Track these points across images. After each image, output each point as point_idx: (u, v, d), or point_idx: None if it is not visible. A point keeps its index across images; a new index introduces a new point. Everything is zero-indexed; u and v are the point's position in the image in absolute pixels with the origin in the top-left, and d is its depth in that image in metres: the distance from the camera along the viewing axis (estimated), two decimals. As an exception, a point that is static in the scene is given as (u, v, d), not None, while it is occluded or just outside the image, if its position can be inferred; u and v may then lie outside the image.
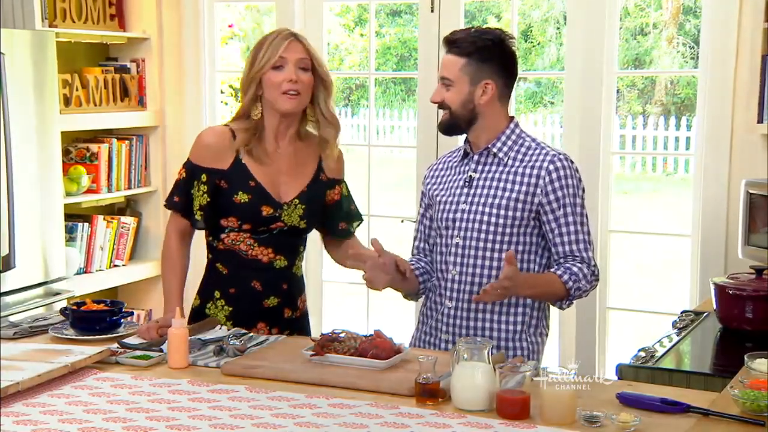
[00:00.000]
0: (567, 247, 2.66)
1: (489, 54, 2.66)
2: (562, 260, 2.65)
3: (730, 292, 3.05)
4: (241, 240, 2.78)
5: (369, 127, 5.71)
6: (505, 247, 2.65)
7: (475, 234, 2.67)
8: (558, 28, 12.96)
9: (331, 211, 2.90)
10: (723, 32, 3.77)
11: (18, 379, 2.16)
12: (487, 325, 2.69)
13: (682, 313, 3.33)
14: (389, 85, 14.20)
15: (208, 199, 2.77)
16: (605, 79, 4.06)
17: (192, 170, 2.78)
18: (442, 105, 2.71)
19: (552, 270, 2.65)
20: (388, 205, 7.75)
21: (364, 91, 13.30)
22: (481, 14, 11.62)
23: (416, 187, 4.47)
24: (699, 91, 3.95)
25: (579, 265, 2.63)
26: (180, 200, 2.80)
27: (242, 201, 2.74)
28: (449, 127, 2.74)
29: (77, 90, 4.44)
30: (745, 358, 2.17)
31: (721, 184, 3.81)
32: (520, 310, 2.69)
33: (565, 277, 2.62)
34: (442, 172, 2.83)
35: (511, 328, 2.69)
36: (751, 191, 3.43)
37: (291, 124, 2.81)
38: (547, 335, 2.80)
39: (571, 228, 2.65)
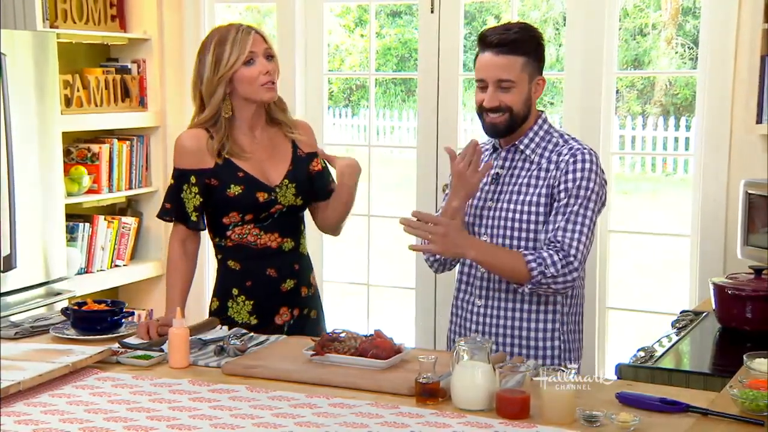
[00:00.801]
0: (551, 234, 2.56)
1: (541, 50, 2.67)
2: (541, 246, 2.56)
3: (729, 292, 3.06)
4: (247, 232, 2.81)
5: (369, 127, 5.72)
6: (531, 244, 2.60)
7: (501, 231, 2.64)
8: (557, 29, 12.94)
9: (318, 179, 2.94)
10: (722, 33, 3.77)
11: (19, 378, 2.17)
12: (517, 323, 2.66)
13: (681, 313, 3.34)
14: (389, 85, 14.19)
15: (201, 200, 2.80)
16: (604, 80, 4.06)
17: (180, 176, 2.81)
18: (497, 108, 2.61)
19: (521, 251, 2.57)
20: (388, 205, 7.75)
21: (364, 91, 13.30)
22: (480, 15, 11.60)
23: (416, 188, 4.48)
24: (698, 92, 3.96)
25: (551, 251, 2.52)
26: (171, 207, 2.84)
27: (236, 193, 2.77)
28: (507, 129, 2.64)
29: (78, 90, 4.44)
30: (744, 357, 2.18)
31: (720, 185, 3.82)
32: (550, 308, 2.65)
33: (530, 257, 2.52)
34: None
35: (541, 326, 2.65)
36: (750, 191, 3.44)
37: (262, 112, 2.86)
38: (579, 331, 2.75)
39: (566, 217, 2.55)
